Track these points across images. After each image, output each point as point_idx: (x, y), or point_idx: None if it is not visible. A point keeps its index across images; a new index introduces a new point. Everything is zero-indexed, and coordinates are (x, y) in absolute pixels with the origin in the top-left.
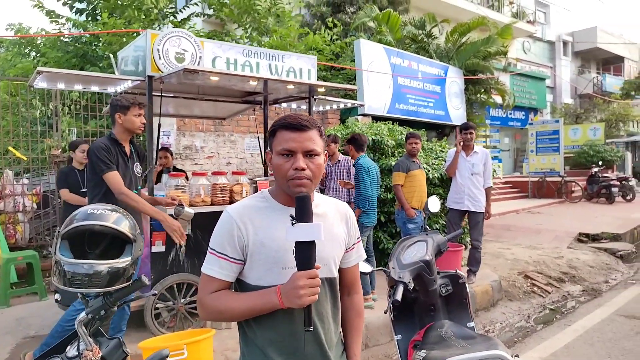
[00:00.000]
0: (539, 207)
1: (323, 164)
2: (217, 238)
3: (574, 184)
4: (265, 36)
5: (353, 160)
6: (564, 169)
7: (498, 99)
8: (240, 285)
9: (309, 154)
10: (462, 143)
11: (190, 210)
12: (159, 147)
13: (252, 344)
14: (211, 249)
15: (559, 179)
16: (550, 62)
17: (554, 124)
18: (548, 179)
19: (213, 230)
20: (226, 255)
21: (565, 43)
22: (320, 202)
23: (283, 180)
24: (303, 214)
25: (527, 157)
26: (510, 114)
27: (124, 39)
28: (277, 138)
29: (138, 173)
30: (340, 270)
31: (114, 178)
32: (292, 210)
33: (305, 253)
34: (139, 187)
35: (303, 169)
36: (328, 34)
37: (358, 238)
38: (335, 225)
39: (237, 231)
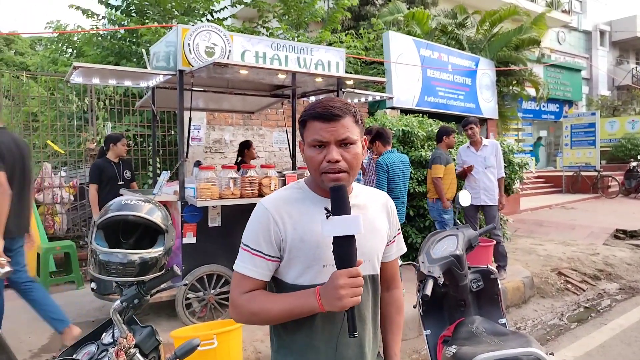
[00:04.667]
0: (573, 202)
1: (360, 152)
2: (252, 233)
3: (610, 178)
4: (300, 30)
5: (377, 157)
6: (600, 163)
7: (531, 91)
8: (276, 284)
9: (344, 142)
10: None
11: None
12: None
13: (288, 348)
14: (245, 245)
15: (595, 173)
16: (587, 53)
17: (590, 117)
18: (583, 173)
19: (242, 221)
20: (261, 252)
21: (602, 33)
22: (360, 192)
23: (316, 173)
24: (339, 205)
25: (562, 151)
26: (543, 106)
27: (156, 35)
28: (307, 128)
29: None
30: (381, 264)
31: None
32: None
33: (344, 249)
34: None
35: (337, 161)
36: (364, 29)
37: (399, 230)
38: (377, 217)
39: (274, 226)
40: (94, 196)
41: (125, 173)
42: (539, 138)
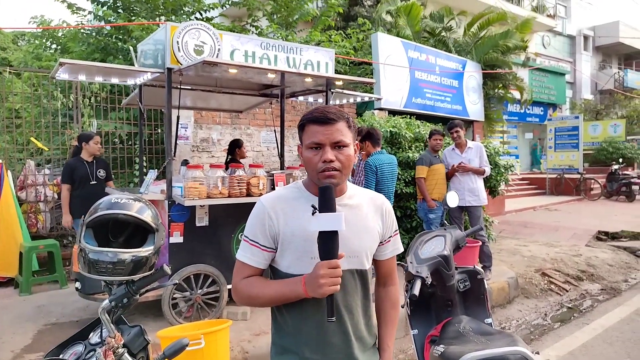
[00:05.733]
0: (556, 204)
1: (353, 154)
2: (250, 226)
3: (593, 181)
4: (289, 29)
5: (366, 158)
6: (583, 166)
7: (516, 94)
8: (273, 271)
9: (338, 145)
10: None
11: None
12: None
13: (282, 330)
14: (245, 236)
15: (578, 176)
16: (571, 57)
17: (574, 120)
18: (566, 176)
19: (230, 221)
20: (258, 243)
21: (586, 37)
22: (355, 193)
23: (313, 173)
24: (325, 204)
25: (546, 154)
26: (528, 109)
27: (144, 32)
28: (305, 132)
29: None
30: (376, 262)
31: None
32: None
33: (327, 243)
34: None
35: (332, 161)
36: (352, 30)
37: (395, 231)
38: (369, 217)
39: (269, 220)
40: (65, 196)
41: (99, 172)
42: (540, 139)
